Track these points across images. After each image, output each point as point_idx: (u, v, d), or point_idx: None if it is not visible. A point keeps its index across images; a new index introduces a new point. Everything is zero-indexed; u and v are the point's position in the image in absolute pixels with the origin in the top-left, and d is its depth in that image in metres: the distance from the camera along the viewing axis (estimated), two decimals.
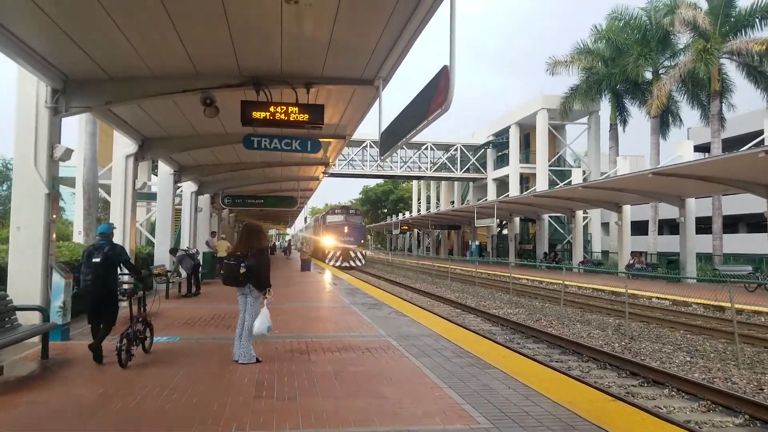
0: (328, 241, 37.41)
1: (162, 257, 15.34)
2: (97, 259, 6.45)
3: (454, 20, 5.18)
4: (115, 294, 6.74)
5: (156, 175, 24.83)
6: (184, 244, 17.92)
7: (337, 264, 36.17)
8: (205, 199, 21.04)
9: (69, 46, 7.00)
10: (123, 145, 11.78)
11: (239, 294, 6.77)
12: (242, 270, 6.51)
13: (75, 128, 19.05)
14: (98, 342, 6.38)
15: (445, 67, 5.43)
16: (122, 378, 5.76)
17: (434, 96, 5.65)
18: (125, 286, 7.44)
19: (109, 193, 24.35)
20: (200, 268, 14.87)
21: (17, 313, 6.55)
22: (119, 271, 6.90)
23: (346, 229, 37.43)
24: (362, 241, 39.39)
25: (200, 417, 4.56)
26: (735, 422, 6.42)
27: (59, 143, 7.82)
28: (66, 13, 6.22)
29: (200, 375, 5.95)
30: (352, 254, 37.52)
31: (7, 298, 6.53)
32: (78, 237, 18.86)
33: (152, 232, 25.72)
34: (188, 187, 18.54)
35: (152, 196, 22.14)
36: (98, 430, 4.25)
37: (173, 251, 14.60)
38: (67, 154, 7.85)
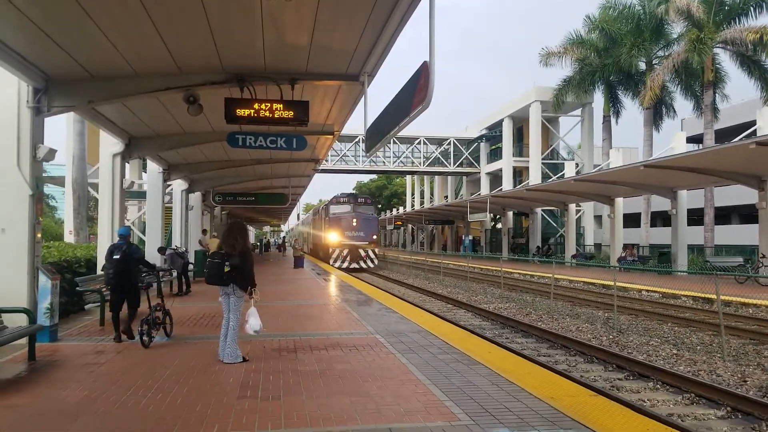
0: (333, 238, 30.65)
1: (153, 256, 15.28)
2: (117, 257, 7.81)
3: (434, 17, 5.18)
4: (135, 284, 8.06)
5: (145, 172, 24.81)
6: (176, 242, 17.88)
7: (344, 266, 29.63)
8: (196, 197, 20.99)
9: (49, 46, 6.95)
10: (110, 144, 11.71)
11: (222, 294, 6.76)
12: (226, 268, 6.51)
13: (63, 127, 18.96)
14: (128, 324, 7.73)
15: (425, 63, 5.43)
16: (108, 379, 5.76)
17: (415, 92, 5.66)
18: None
19: (98, 192, 24.34)
20: (189, 267, 14.84)
21: (3, 315, 6.52)
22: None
23: (354, 222, 30.48)
24: (375, 237, 31.67)
25: (184, 417, 4.56)
26: (717, 414, 6.48)
27: (42, 143, 7.77)
28: (44, 12, 6.17)
29: (186, 375, 5.95)
30: (362, 253, 30.42)
31: None
32: (69, 237, 18.83)
33: (144, 230, 25.69)
34: (179, 185, 18.49)
35: (143, 195, 22.09)
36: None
37: (161, 250, 14.57)
38: (51, 154, 7.81)
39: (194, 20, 6.56)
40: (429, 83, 5.14)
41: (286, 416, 4.61)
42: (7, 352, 6.79)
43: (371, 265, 30.82)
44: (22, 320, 7.05)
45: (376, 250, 31.70)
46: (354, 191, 38.93)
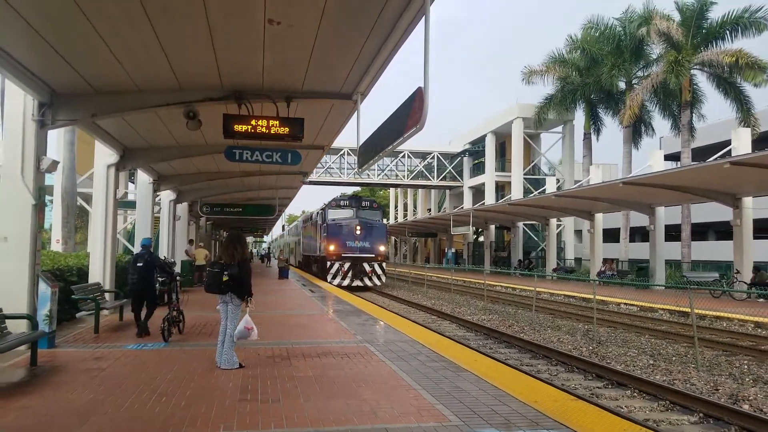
0: (331, 249, 25.23)
1: None
2: (140, 264, 9.16)
3: (428, 44, 5.54)
4: (154, 287, 9.32)
5: (133, 183, 24.87)
6: (163, 252, 17.99)
7: (345, 283, 24.59)
8: (183, 208, 21.13)
9: (56, 61, 7.19)
10: (104, 155, 11.89)
11: (220, 302, 7.03)
12: (225, 278, 6.79)
13: (53, 136, 19.02)
14: (146, 320, 9.08)
15: (419, 89, 5.81)
16: (111, 383, 5.98)
17: (409, 115, 6.03)
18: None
19: (86, 201, 24.33)
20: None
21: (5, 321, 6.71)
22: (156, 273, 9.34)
23: (358, 230, 25.33)
24: (382, 249, 26.39)
25: (190, 418, 4.82)
26: (690, 420, 6.90)
27: (45, 155, 8.00)
28: (53, 28, 6.42)
29: (186, 380, 6.19)
30: (367, 268, 25.16)
31: None
32: (56, 246, 18.82)
33: (129, 239, 25.67)
34: (167, 195, 18.63)
35: (130, 204, 22.17)
36: None
37: None
38: (54, 166, 8.04)
39: (199, 40, 6.86)
40: (423, 107, 5.52)
41: (287, 417, 4.89)
42: (9, 357, 6.96)
43: (378, 282, 25.64)
44: (22, 326, 7.26)
45: (384, 265, 26.33)
46: (355, 193, 32.31)
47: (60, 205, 18.03)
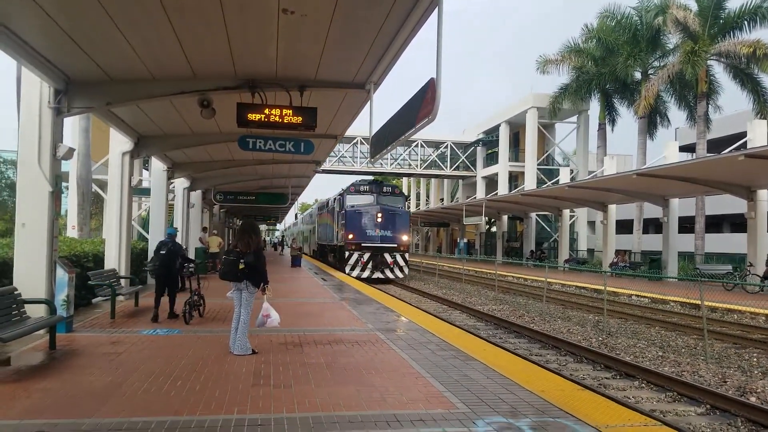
0: (349, 238, 23.55)
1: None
2: (163, 252, 9.64)
3: (441, 36, 5.57)
4: (176, 274, 9.90)
5: (147, 170, 25.13)
6: (177, 239, 18.20)
7: (365, 275, 22.95)
8: (197, 195, 21.34)
9: (72, 49, 7.30)
10: (119, 142, 12.07)
11: (234, 289, 7.16)
12: (241, 266, 6.91)
13: (68, 124, 19.24)
14: (171, 305, 9.65)
15: (431, 80, 5.84)
16: (128, 367, 6.13)
17: (421, 106, 6.07)
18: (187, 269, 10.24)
19: (101, 188, 24.66)
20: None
21: (25, 306, 6.89)
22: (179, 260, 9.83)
23: (379, 217, 23.57)
24: (405, 238, 24.40)
25: (205, 401, 4.96)
26: (697, 411, 6.93)
27: (62, 142, 8.15)
28: (69, 15, 6.50)
29: (201, 365, 6.33)
30: (389, 259, 23.46)
31: (16, 292, 6.87)
32: (72, 232, 19.14)
33: (143, 227, 26.00)
34: (180, 183, 18.83)
35: (144, 192, 22.43)
36: (111, 414, 4.61)
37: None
38: (70, 153, 8.19)
39: (213, 29, 6.93)
40: (435, 98, 5.56)
41: (298, 402, 5.01)
42: (28, 341, 7.15)
43: (400, 275, 23.86)
44: (40, 311, 7.45)
45: (407, 255, 24.44)
46: (376, 178, 28.99)
47: (75, 192, 18.30)
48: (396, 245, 23.70)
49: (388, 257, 23.50)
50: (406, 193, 70.25)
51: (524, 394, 5.46)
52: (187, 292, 9.77)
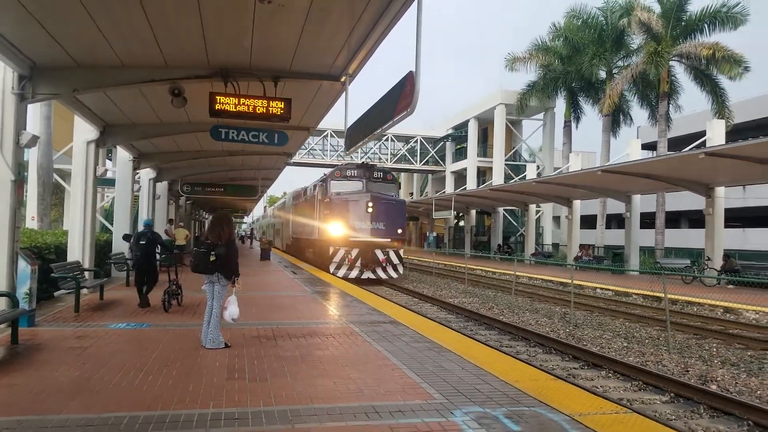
0: (334, 231, 19.80)
1: (120, 245, 15.23)
2: (143, 242, 9.99)
3: (420, 28, 5.57)
4: (155, 264, 10.34)
5: (110, 160, 24.42)
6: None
7: (353, 275, 19.42)
8: (163, 186, 20.88)
9: (38, 32, 7.01)
10: (84, 131, 11.67)
11: (207, 282, 7.04)
12: (212, 258, 6.79)
13: (29, 110, 18.52)
14: (146, 294, 9.89)
15: (410, 73, 5.84)
16: (97, 361, 5.97)
17: (400, 99, 6.07)
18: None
19: (62, 178, 23.86)
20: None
21: None
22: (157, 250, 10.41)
23: (370, 207, 19.71)
24: (400, 231, 20.93)
25: (179, 396, 4.87)
26: (662, 399, 7.16)
27: (25, 129, 7.84)
28: None
29: (172, 359, 6.21)
30: (381, 256, 19.92)
31: None
32: (31, 223, 18.47)
33: (107, 218, 25.28)
34: (146, 173, 18.37)
35: (108, 182, 21.79)
36: (80, 410, 4.48)
37: (126, 237, 14.54)
38: (33, 140, 7.89)
39: (187, 15, 6.75)
40: (414, 92, 5.56)
41: (275, 395, 4.96)
42: None
43: (393, 275, 20.39)
44: (1, 304, 7.18)
45: (402, 252, 20.94)
46: (366, 161, 24.97)
47: (35, 182, 17.65)
48: (389, 240, 20.12)
49: (379, 254, 19.96)
50: None
51: (499, 384, 5.55)
52: (173, 279, 10.00)
